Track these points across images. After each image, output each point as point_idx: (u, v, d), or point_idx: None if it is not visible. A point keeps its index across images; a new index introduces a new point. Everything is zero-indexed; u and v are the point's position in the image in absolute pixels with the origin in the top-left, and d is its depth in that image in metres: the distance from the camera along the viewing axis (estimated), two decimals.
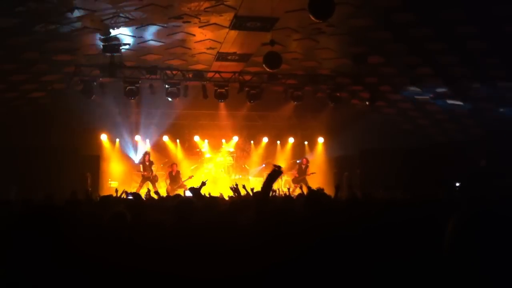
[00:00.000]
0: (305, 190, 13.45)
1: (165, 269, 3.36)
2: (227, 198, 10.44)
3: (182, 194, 14.49)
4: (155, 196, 9.97)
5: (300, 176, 19.89)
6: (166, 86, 16.58)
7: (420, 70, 14.72)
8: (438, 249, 2.28)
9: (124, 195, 9.90)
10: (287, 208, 5.63)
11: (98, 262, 2.99)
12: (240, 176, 21.38)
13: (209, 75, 16.77)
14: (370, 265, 3.26)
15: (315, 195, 5.95)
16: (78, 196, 10.37)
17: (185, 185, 18.17)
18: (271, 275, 3.24)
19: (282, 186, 19.12)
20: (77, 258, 2.68)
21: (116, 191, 10.94)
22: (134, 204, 6.61)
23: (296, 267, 3.26)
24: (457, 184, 14.21)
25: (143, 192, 13.34)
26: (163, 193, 12.36)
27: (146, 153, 19.21)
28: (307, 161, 20.31)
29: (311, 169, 20.47)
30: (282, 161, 21.75)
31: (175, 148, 21.39)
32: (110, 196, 9.29)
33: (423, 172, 15.99)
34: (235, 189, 10.32)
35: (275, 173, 4.74)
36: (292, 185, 19.79)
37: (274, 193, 11.95)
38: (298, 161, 21.01)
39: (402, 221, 4.11)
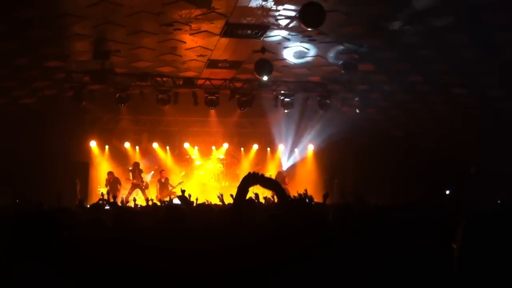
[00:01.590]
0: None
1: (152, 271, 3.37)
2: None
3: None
4: (150, 203, 10.01)
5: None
6: (157, 93, 16.57)
7: (411, 78, 14.78)
8: (431, 254, 2.30)
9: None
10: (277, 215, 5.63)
11: (93, 267, 2.99)
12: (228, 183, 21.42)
13: (200, 82, 16.77)
14: (361, 271, 3.26)
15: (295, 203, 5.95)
16: (63, 200, 10.38)
17: (174, 192, 18.15)
18: (261, 277, 3.23)
19: (272, 194, 19.10)
20: (72, 264, 2.68)
21: (102, 194, 10.92)
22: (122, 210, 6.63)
23: (287, 271, 3.27)
24: (447, 192, 14.33)
25: (131, 200, 13.40)
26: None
27: (135, 164, 19.21)
28: (282, 173, 20.48)
29: (298, 176, 20.60)
30: (273, 168, 21.80)
31: (165, 155, 21.33)
32: (98, 203, 9.32)
33: (415, 179, 16.08)
34: (220, 199, 10.46)
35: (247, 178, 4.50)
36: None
37: (271, 200, 11.96)
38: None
39: (396, 227, 4.13)
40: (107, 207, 8.82)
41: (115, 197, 11.79)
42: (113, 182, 18.39)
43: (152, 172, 20.07)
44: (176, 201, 10.64)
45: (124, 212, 6.32)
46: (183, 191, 8.98)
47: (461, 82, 14.29)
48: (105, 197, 10.65)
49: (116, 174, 19.24)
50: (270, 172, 21.47)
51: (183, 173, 20.93)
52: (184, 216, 5.01)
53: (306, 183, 19.47)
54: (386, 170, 17.55)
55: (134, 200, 12.78)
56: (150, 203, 10.05)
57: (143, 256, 3.61)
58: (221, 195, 11.21)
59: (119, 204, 10.48)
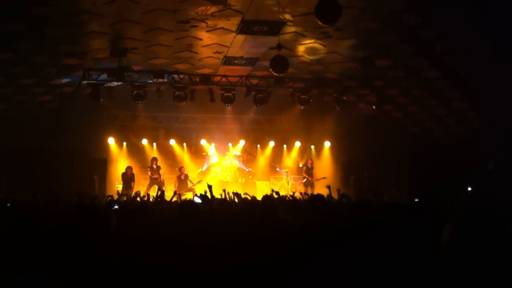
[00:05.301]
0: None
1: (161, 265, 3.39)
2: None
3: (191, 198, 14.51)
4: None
5: (309, 176, 19.95)
6: (173, 90, 16.66)
7: (427, 73, 14.67)
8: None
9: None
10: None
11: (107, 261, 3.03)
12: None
13: (216, 79, 16.83)
14: (376, 266, 3.26)
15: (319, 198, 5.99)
16: (85, 199, 10.45)
17: (193, 189, 18.16)
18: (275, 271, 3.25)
19: (288, 190, 19.09)
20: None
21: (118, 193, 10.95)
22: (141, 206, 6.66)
23: (298, 266, 3.28)
24: (469, 189, 14.17)
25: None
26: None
27: (153, 159, 19.28)
28: (311, 162, 20.44)
29: (318, 172, 20.49)
30: (289, 165, 21.76)
31: (181, 152, 21.41)
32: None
33: (431, 175, 15.94)
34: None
35: None
36: (300, 188, 19.72)
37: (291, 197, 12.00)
38: (300, 165, 21.21)
39: (410, 224, 4.12)
40: (116, 207, 8.76)
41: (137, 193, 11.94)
42: (130, 178, 18.42)
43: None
44: (197, 199, 10.62)
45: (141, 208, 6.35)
46: (210, 187, 8.96)
47: (478, 76, 14.18)
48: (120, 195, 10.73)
49: (134, 171, 19.38)
50: (286, 169, 21.43)
51: (200, 170, 21.00)
52: (198, 212, 5.03)
53: (322, 180, 19.44)
54: (403, 167, 17.43)
55: (148, 195, 12.76)
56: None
57: (156, 253, 3.63)
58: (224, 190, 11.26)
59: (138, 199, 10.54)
